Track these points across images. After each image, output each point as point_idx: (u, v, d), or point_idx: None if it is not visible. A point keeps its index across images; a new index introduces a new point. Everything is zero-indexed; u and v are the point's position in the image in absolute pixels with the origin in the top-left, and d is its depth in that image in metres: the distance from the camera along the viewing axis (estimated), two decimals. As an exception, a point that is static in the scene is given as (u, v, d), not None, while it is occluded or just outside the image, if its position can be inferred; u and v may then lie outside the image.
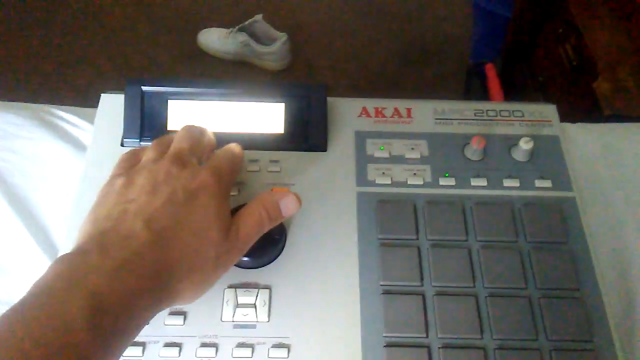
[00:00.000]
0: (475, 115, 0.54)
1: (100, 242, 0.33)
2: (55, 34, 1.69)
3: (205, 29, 1.67)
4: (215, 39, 1.64)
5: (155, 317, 0.34)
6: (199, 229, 0.36)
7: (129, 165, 0.41)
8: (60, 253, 0.46)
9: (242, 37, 1.60)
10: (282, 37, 1.59)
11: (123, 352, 0.31)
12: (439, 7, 1.78)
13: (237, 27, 1.61)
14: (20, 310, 0.29)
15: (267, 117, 0.51)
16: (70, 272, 0.31)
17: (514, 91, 1.28)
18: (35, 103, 0.63)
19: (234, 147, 0.43)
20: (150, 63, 1.65)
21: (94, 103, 0.57)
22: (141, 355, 0.41)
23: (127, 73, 1.62)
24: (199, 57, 1.67)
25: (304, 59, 1.69)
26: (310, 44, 1.72)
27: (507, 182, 0.49)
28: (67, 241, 0.46)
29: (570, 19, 0.99)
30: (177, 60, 1.67)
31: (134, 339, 0.32)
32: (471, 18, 1.47)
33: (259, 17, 1.60)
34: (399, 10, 1.79)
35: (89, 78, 1.60)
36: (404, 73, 1.65)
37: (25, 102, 0.63)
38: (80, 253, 0.32)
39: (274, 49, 1.60)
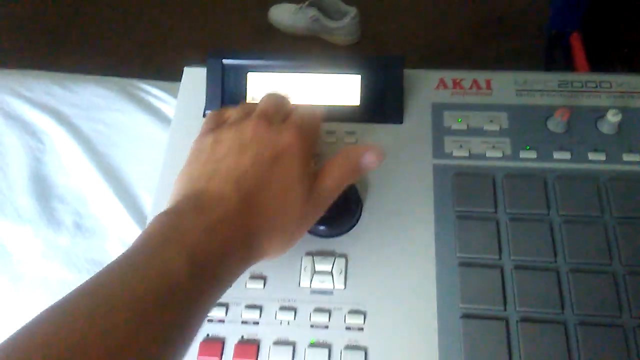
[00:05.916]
0: (559, 86, 0.51)
1: (195, 204, 0.35)
2: (134, 19, 1.76)
3: (275, 5, 1.68)
4: (285, 15, 1.65)
5: (237, 279, 0.36)
6: (283, 190, 0.37)
7: (216, 123, 0.43)
8: (148, 219, 0.48)
9: (312, 12, 1.60)
10: (352, 11, 1.58)
11: (218, 299, 0.34)
12: (515, -24, 1.71)
13: (307, 2, 1.61)
14: (128, 262, 0.31)
15: (344, 89, 0.51)
16: (169, 231, 0.33)
17: (596, 65, 1.21)
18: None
19: (313, 107, 0.44)
20: (223, 41, 1.69)
21: (173, 79, 0.60)
22: (224, 315, 0.43)
23: (200, 51, 1.66)
24: (270, 33, 1.68)
25: (373, 33, 1.67)
26: (379, 18, 1.69)
27: (592, 156, 0.47)
28: (154, 208, 0.49)
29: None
30: (249, 38, 1.69)
31: (228, 289, 0.35)
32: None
33: (328, -9, 1.60)
34: (473, -19, 1.73)
35: (167, 56, 1.65)
36: (477, 48, 1.60)
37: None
38: (177, 213, 0.35)
39: (344, 24, 1.59)
